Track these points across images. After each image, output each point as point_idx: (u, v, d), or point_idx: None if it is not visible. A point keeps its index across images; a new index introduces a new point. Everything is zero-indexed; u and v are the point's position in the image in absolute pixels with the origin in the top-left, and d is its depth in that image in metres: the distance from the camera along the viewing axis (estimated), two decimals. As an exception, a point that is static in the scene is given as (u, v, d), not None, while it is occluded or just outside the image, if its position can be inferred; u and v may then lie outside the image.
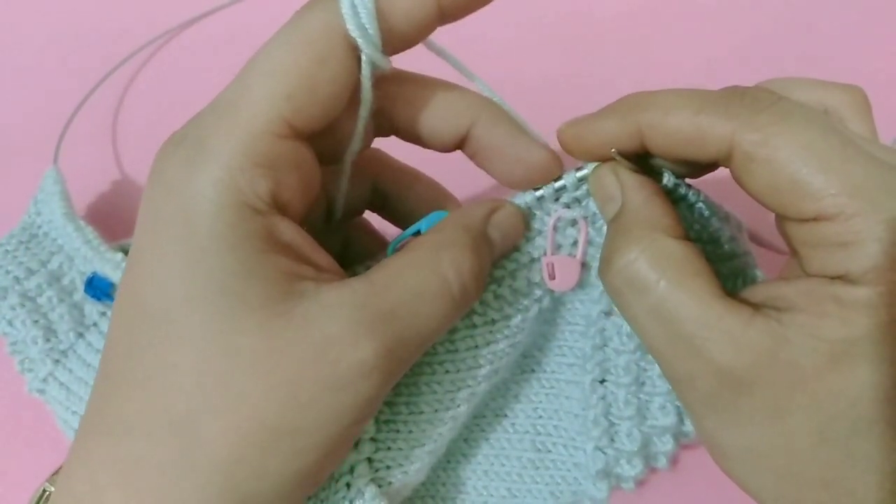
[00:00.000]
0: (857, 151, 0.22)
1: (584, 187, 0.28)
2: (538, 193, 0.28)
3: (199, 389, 0.22)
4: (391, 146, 0.31)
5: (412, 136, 0.29)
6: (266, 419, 0.22)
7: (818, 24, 0.47)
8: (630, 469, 0.31)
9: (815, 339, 0.22)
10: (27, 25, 0.49)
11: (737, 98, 0.23)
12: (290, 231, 0.24)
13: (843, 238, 0.22)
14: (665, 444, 0.31)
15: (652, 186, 0.26)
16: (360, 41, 0.23)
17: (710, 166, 0.25)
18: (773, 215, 0.25)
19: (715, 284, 0.24)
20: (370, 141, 0.29)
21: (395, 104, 0.27)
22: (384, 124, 0.28)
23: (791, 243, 0.24)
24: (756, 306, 0.24)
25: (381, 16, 0.23)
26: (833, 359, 0.22)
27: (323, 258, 0.25)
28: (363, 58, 0.23)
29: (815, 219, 0.22)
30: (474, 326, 0.28)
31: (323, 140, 0.26)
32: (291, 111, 0.23)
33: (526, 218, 0.28)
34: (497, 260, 0.28)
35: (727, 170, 0.24)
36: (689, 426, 0.30)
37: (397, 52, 0.25)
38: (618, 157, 0.26)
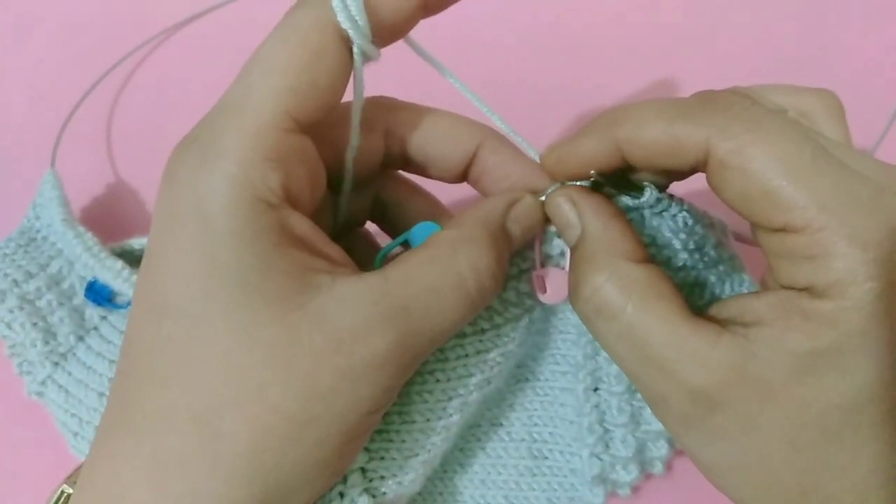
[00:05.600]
0: (828, 162, 0.22)
1: None
2: None
3: (220, 383, 0.22)
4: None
5: (421, 164, 0.30)
6: (286, 410, 0.22)
7: (816, 23, 0.47)
8: (626, 474, 0.31)
9: (782, 353, 0.22)
10: (21, 28, 0.49)
11: (710, 105, 0.24)
12: (302, 225, 0.24)
13: (809, 251, 0.22)
14: (660, 450, 0.31)
15: (610, 209, 0.26)
16: (351, 32, 0.23)
17: (692, 172, 0.25)
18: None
19: (681, 306, 0.24)
20: (377, 160, 0.30)
21: (405, 129, 0.29)
22: (395, 153, 0.29)
23: (763, 251, 0.25)
24: (724, 322, 0.24)
25: (369, 8, 0.24)
26: (800, 371, 0.22)
27: (336, 252, 0.25)
28: (355, 49, 0.24)
29: (784, 230, 0.22)
30: (464, 336, 0.29)
31: (328, 148, 0.27)
32: (294, 105, 0.23)
33: (543, 207, 0.28)
34: (516, 252, 0.28)
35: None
36: (683, 432, 0.31)
37: (387, 44, 0.26)
38: (598, 178, 0.26)
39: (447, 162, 0.29)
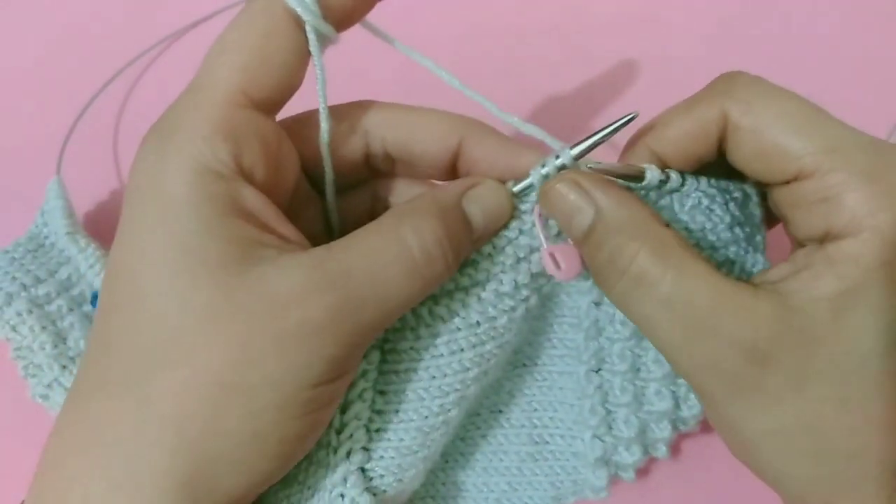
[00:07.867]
0: (829, 117, 0.24)
1: None
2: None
3: (155, 346, 0.22)
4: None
5: (406, 163, 0.29)
6: (215, 374, 0.22)
7: (811, 18, 0.45)
8: (628, 456, 0.31)
9: (816, 300, 0.23)
10: (28, 35, 0.49)
11: (719, 84, 0.26)
12: (255, 199, 0.24)
13: (822, 194, 0.23)
14: (662, 431, 0.30)
15: (615, 185, 0.26)
16: (298, 10, 0.24)
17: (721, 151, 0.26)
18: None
19: (712, 265, 0.25)
20: (359, 159, 0.29)
21: (385, 129, 0.28)
22: (378, 153, 0.29)
23: (780, 210, 0.26)
24: (754, 285, 0.25)
25: None
26: (835, 315, 0.23)
27: (292, 232, 0.25)
28: (307, 28, 0.25)
29: (797, 178, 0.24)
30: (458, 330, 0.28)
31: (305, 146, 0.28)
32: (247, 81, 0.24)
33: (510, 193, 0.27)
34: (485, 237, 0.27)
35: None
36: (686, 412, 0.30)
37: (345, 26, 0.26)
38: (594, 167, 0.26)
39: (431, 158, 0.28)
